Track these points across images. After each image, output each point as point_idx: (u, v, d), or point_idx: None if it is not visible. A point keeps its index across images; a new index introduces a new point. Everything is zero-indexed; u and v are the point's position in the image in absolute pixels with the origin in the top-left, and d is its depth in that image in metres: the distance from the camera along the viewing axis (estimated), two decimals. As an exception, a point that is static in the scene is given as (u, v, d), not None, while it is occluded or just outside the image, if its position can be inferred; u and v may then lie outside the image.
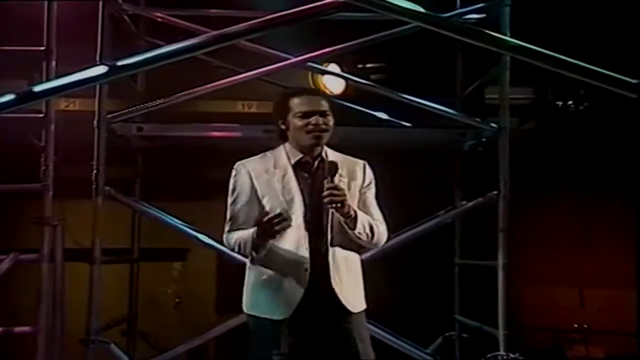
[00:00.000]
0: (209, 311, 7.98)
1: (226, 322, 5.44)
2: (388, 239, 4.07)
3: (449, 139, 6.01)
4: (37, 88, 3.01)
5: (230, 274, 4.67)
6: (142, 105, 5.69)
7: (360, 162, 4.05)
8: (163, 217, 5.65)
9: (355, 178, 3.98)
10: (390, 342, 5.40)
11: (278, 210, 3.82)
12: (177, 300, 8.35)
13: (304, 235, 3.85)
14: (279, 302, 3.84)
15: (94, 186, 5.37)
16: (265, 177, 3.92)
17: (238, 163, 3.99)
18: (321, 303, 3.84)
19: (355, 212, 3.82)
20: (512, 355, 5.27)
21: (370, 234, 3.90)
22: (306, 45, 5.83)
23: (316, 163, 3.94)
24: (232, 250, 4.03)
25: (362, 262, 4.05)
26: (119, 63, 2.84)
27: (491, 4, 5.62)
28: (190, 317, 8.11)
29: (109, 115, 5.43)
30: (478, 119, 5.69)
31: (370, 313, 3.97)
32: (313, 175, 3.93)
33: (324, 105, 3.93)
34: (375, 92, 6.21)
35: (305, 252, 3.83)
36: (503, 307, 5.36)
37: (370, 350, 3.93)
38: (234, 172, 3.99)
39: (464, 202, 5.98)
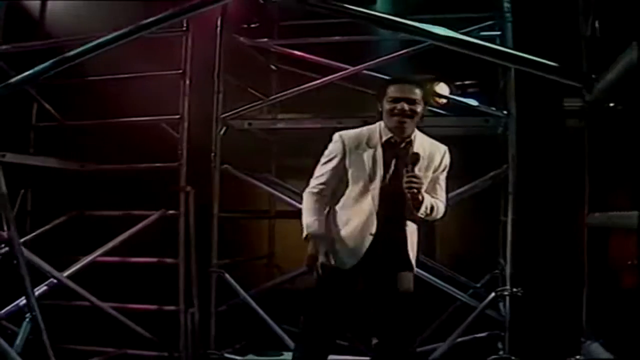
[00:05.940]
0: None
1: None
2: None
3: (478, 123, 5.24)
4: (70, 54, 3.14)
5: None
6: (247, 106, 5.38)
7: (442, 147, 3.50)
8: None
9: (434, 161, 3.45)
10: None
11: (360, 181, 3.38)
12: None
13: (376, 206, 3.36)
14: (345, 255, 3.40)
15: (212, 164, 5.21)
16: (357, 151, 3.40)
17: (338, 133, 3.47)
18: (389, 262, 3.41)
19: (423, 197, 3.32)
20: (514, 290, 4.66)
21: (430, 213, 3.39)
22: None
23: (403, 144, 3.42)
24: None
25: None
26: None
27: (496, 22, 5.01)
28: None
29: (223, 115, 5.26)
30: (494, 108, 5.03)
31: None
32: (398, 154, 3.39)
33: (415, 94, 3.37)
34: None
35: (374, 220, 3.35)
36: (511, 252, 4.70)
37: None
38: (334, 139, 3.47)
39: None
